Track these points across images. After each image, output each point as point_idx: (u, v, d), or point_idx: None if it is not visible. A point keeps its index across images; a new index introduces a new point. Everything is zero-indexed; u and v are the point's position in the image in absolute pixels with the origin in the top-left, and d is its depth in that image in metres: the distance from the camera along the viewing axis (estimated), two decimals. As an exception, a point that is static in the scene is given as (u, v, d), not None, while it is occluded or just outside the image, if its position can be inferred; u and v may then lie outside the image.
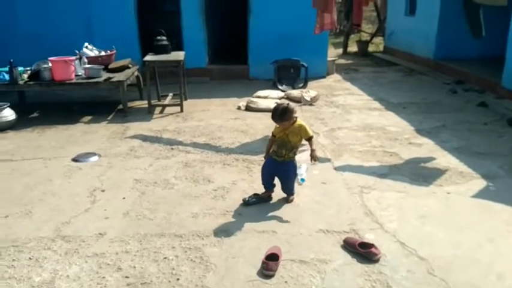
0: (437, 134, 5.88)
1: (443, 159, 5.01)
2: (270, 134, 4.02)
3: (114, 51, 7.60)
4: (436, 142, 5.57)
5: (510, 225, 3.59)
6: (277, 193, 4.04)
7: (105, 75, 6.90)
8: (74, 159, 5.11)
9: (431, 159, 5.03)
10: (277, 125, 3.85)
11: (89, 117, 6.84)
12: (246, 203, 3.91)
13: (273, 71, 8.98)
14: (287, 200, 4.00)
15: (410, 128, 6.21)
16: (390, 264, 3.08)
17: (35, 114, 7.17)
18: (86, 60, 7.05)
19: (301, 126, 3.82)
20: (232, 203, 3.94)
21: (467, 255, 3.19)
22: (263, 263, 3.05)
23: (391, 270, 3.02)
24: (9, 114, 6.34)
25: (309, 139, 3.88)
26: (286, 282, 2.93)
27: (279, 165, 3.89)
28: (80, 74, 6.87)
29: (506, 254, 3.21)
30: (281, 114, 3.71)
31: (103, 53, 7.54)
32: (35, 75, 6.65)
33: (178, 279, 2.97)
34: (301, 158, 5.00)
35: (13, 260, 3.21)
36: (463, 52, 10.24)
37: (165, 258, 3.20)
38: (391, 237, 3.42)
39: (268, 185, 4.00)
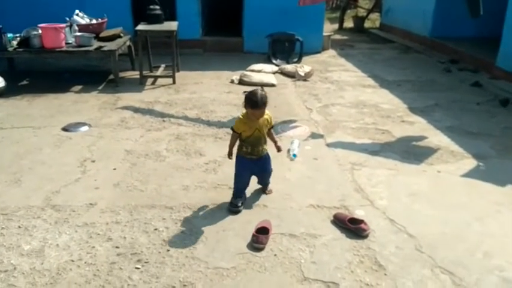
0: (430, 113, 5.88)
1: (435, 138, 5.02)
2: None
3: (106, 20, 7.43)
4: (428, 121, 5.58)
5: (499, 204, 3.63)
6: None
7: (96, 44, 6.78)
8: (64, 129, 5.05)
9: (423, 137, 5.04)
10: (243, 120, 3.35)
11: (80, 87, 6.73)
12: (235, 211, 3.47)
13: (268, 44, 8.86)
14: (265, 191, 3.71)
15: (404, 106, 6.21)
16: (379, 240, 3.12)
17: (25, 82, 7.04)
18: (76, 28, 6.90)
19: (267, 114, 3.46)
20: (223, 177, 3.93)
21: (455, 233, 3.23)
22: (253, 236, 3.06)
23: (380, 246, 3.05)
24: (-2, 81, 6.24)
25: (271, 128, 3.57)
26: (275, 255, 2.95)
27: (257, 162, 3.50)
28: (70, 42, 6.73)
29: (494, 233, 3.25)
30: (264, 99, 3.29)
31: (94, 21, 7.37)
32: (25, 42, 6.50)
33: (168, 250, 2.98)
34: (294, 133, 5.01)
35: (2, 228, 3.19)
36: (459, 31, 10.16)
37: (155, 229, 3.20)
38: (380, 214, 3.45)
39: (244, 192, 3.58)
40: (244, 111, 3.41)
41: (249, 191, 3.66)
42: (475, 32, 10.04)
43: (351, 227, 3.18)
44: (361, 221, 3.20)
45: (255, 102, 3.25)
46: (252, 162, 3.48)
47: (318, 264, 2.87)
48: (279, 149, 3.59)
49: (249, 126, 3.36)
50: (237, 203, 3.46)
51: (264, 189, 3.74)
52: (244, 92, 3.40)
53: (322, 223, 3.32)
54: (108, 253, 2.94)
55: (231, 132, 3.48)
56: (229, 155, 3.53)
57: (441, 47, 10.06)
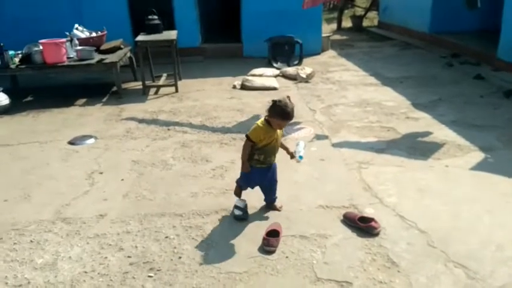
0: (434, 108, 5.87)
1: (441, 132, 5.01)
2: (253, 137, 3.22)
3: (105, 32, 7.48)
4: (433, 116, 5.57)
5: (508, 196, 3.62)
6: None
7: (97, 56, 6.81)
8: (70, 142, 5.07)
9: (429, 133, 5.03)
10: (264, 129, 3.18)
11: (83, 100, 6.77)
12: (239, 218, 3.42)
13: (267, 48, 8.89)
14: (276, 208, 3.53)
15: (407, 102, 6.20)
16: (390, 238, 3.11)
17: (29, 98, 7.09)
18: (77, 42, 6.94)
19: None
20: (231, 182, 3.93)
21: (466, 226, 3.22)
22: (264, 239, 3.07)
23: (391, 243, 3.05)
24: (2, 98, 6.29)
25: (282, 136, 3.50)
26: (287, 257, 2.95)
27: (266, 171, 3.38)
28: (71, 56, 6.77)
29: (505, 224, 3.24)
30: (294, 110, 3.18)
31: (94, 34, 7.42)
32: (27, 59, 6.54)
33: (180, 257, 2.98)
34: (299, 135, 5.02)
35: (14, 243, 3.21)
36: (458, 25, 10.16)
37: (166, 237, 3.21)
38: (390, 211, 3.45)
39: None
40: (262, 119, 3.24)
41: (255, 194, 3.58)
42: (474, 25, 10.05)
43: (362, 226, 3.17)
44: (371, 219, 3.20)
45: (287, 114, 3.10)
46: (261, 171, 3.34)
47: (330, 264, 2.87)
48: (292, 156, 3.42)
49: (269, 135, 3.19)
50: (240, 215, 3.39)
51: (273, 206, 3.53)
52: (273, 100, 3.17)
53: (332, 223, 3.32)
54: (120, 263, 2.95)
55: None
56: (248, 167, 3.29)
57: (441, 41, 10.06)
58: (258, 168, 3.32)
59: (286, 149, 3.48)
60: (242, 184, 3.49)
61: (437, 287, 2.63)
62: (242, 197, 3.49)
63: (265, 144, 3.20)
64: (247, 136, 3.21)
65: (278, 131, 3.27)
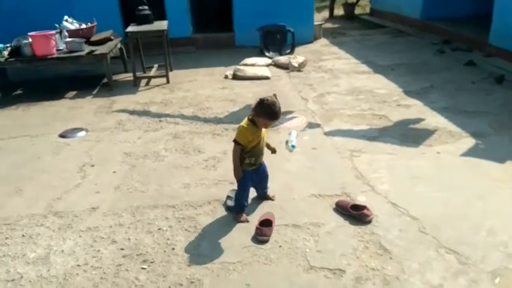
0: (426, 95, 5.88)
1: (432, 119, 5.02)
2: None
3: (95, 24, 7.39)
4: (424, 103, 5.58)
5: (499, 181, 3.64)
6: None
7: (87, 48, 6.74)
8: (61, 135, 5.04)
9: (421, 120, 5.04)
10: (251, 129, 3.06)
11: (74, 93, 6.71)
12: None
13: (259, 37, 8.84)
14: (270, 198, 3.51)
15: (399, 89, 6.20)
16: (382, 225, 3.12)
17: (18, 92, 7.02)
18: (66, 33, 6.86)
19: None
20: (223, 173, 3.93)
21: (458, 212, 3.24)
22: (257, 229, 3.07)
23: (384, 231, 3.06)
24: (-9, 92, 6.22)
25: None
26: (280, 246, 2.96)
27: (257, 171, 3.30)
28: (61, 48, 6.69)
29: (496, 210, 3.26)
30: (280, 110, 3.04)
31: (84, 26, 7.33)
32: (16, 52, 6.46)
33: (173, 248, 2.98)
34: (291, 124, 5.01)
35: (6, 238, 3.20)
36: (450, 11, 10.15)
37: (159, 229, 3.20)
38: (382, 199, 3.46)
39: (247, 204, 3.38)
40: (245, 119, 3.10)
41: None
42: (465, 11, 10.04)
43: (354, 214, 3.19)
44: (364, 207, 3.21)
45: (275, 113, 2.97)
46: (253, 173, 3.26)
47: (323, 252, 2.88)
48: (274, 151, 3.38)
49: (256, 135, 3.09)
50: (233, 205, 3.36)
51: (266, 196, 3.50)
52: (260, 99, 2.99)
53: (324, 212, 3.33)
54: (113, 255, 2.95)
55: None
56: (241, 172, 3.17)
57: (433, 28, 10.05)
58: (251, 171, 3.24)
59: (269, 147, 3.37)
60: (241, 197, 3.29)
61: (429, 273, 2.65)
62: (233, 188, 3.48)
63: (254, 145, 3.10)
64: (235, 141, 3.07)
65: (263, 129, 3.16)
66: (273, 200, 3.51)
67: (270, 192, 3.55)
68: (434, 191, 3.53)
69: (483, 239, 2.93)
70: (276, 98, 3.03)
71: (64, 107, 6.09)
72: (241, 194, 3.30)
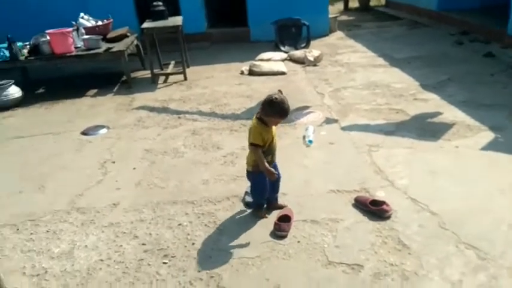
0: (443, 88, 5.82)
1: (450, 113, 4.98)
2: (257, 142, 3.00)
3: (111, 20, 7.47)
4: (442, 96, 5.52)
5: (519, 175, 3.61)
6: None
7: (104, 45, 6.81)
8: (83, 133, 5.14)
9: (438, 113, 5.00)
10: (264, 128, 3.01)
11: (94, 91, 6.82)
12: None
13: (274, 31, 8.82)
14: (280, 207, 3.37)
15: (416, 83, 6.15)
16: (401, 220, 3.12)
17: (41, 90, 7.17)
18: (83, 31, 6.95)
19: None
20: (241, 169, 3.92)
21: (478, 207, 3.22)
22: (275, 224, 3.10)
23: (403, 226, 3.06)
24: (15, 91, 6.35)
25: None
26: (299, 242, 2.99)
27: (274, 169, 3.19)
28: (79, 46, 6.78)
29: (517, 204, 3.23)
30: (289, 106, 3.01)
31: (100, 23, 7.41)
32: (35, 50, 6.56)
33: (193, 243, 3.03)
34: (308, 119, 5.02)
35: (31, 233, 3.29)
36: (466, 1, 10.00)
37: (179, 224, 3.26)
38: (402, 194, 3.45)
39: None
40: (254, 120, 3.05)
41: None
42: (483, 1, 9.87)
43: (373, 209, 3.19)
44: (383, 203, 3.21)
45: (286, 111, 2.95)
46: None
47: (342, 247, 2.90)
48: None
49: (270, 133, 3.06)
50: (251, 201, 3.37)
51: (276, 206, 3.38)
52: (269, 98, 2.94)
53: (343, 207, 3.34)
54: (135, 250, 3.01)
55: (245, 124, 3.40)
56: (272, 172, 3.06)
57: (449, 19, 9.91)
58: None
59: None
60: (258, 194, 3.27)
61: (448, 269, 2.65)
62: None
63: (268, 143, 3.06)
64: (254, 144, 2.99)
65: (273, 126, 3.12)
66: (283, 207, 3.36)
67: (280, 200, 3.43)
68: (453, 186, 3.52)
69: (503, 234, 2.92)
70: (282, 93, 3.01)
71: (85, 105, 6.20)
72: (260, 195, 3.27)
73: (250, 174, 3.23)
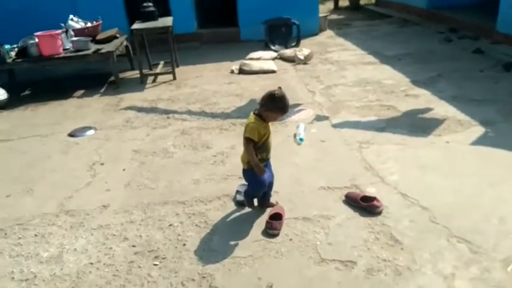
0: (434, 84, 5.84)
1: (441, 108, 4.99)
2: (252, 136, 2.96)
3: (100, 22, 7.41)
4: (432, 92, 5.54)
5: (510, 169, 3.62)
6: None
7: (93, 47, 6.76)
8: (71, 135, 5.07)
9: (429, 109, 5.01)
10: (260, 124, 2.98)
11: (81, 91, 6.74)
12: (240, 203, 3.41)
13: (264, 31, 8.81)
14: (271, 205, 3.34)
15: (406, 79, 6.16)
16: (393, 216, 3.12)
17: (27, 92, 7.07)
18: (72, 33, 6.88)
19: None
20: (232, 168, 3.94)
21: (468, 201, 3.22)
22: (267, 222, 3.08)
23: (394, 221, 3.05)
24: (0, 93, 6.26)
25: None
26: (291, 239, 2.96)
27: (267, 167, 3.21)
28: (67, 47, 6.72)
29: (508, 198, 3.24)
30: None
31: (89, 24, 7.35)
32: (23, 52, 6.48)
33: (184, 244, 3.00)
34: (299, 117, 5.00)
35: (19, 237, 3.23)
36: (456, -1, 10.05)
37: (170, 225, 3.22)
38: (392, 189, 3.45)
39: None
40: (252, 115, 3.01)
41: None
42: (472, -2, 9.91)
43: (364, 205, 3.18)
44: (374, 198, 3.20)
45: (287, 106, 2.96)
46: (266, 169, 3.15)
47: (334, 244, 2.88)
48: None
49: (267, 130, 3.03)
50: (242, 200, 3.35)
51: (269, 204, 3.34)
52: (270, 94, 2.93)
53: (334, 204, 3.32)
54: (125, 253, 2.97)
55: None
56: (261, 168, 3.03)
57: (439, 17, 9.96)
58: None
59: None
60: (256, 191, 3.22)
61: (441, 263, 2.64)
62: (243, 183, 3.46)
63: (264, 140, 3.03)
64: (248, 139, 2.95)
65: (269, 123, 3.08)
66: (275, 204, 3.35)
67: (272, 198, 3.39)
68: (444, 181, 3.52)
69: (495, 227, 2.92)
70: (281, 90, 3.00)
71: (72, 106, 6.13)
72: (257, 191, 3.20)
73: (247, 172, 3.16)
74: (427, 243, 2.82)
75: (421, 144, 4.18)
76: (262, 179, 3.09)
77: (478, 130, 4.37)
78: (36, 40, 6.43)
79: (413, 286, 2.49)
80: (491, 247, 2.73)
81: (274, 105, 2.93)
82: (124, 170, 4.13)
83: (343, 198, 3.36)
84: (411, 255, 2.72)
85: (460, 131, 4.39)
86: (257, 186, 3.16)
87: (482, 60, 6.77)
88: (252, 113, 3.05)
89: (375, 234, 2.94)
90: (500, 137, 4.17)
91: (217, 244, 2.98)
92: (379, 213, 3.14)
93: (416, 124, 4.62)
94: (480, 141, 4.15)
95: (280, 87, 3.04)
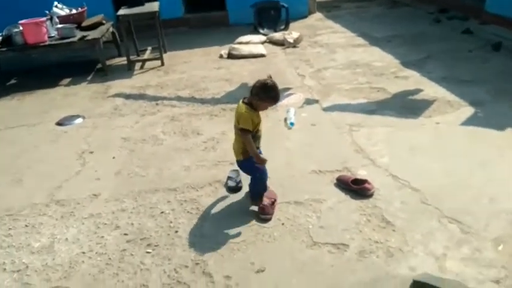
0: (423, 65, 5.83)
1: (431, 90, 4.99)
2: (247, 125, 2.89)
3: (85, 8, 7.27)
4: (422, 73, 5.53)
5: (500, 149, 3.64)
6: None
7: (79, 34, 6.64)
8: (58, 123, 5.01)
9: (419, 91, 5.01)
10: (253, 114, 2.92)
11: (68, 79, 6.64)
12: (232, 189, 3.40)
13: (253, 14, 8.71)
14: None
15: (396, 61, 6.14)
16: (384, 198, 3.13)
17: (13, 81, 6.95)
18: (57, 20, 6.75)
19: None
20: (223, 154, 3.92)
21: (459, 182, 3.24)
22: (259, 208, 3.07)
23: (386, 204, 3.07)
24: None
25: None
26: (283, 224, 2.97)
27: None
28: (53, 35, 6.60)
29: (498, 178, 3.26)
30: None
31: (74, 11, 7.21)
32: (7, 41, 6.35)
33: (176, 231, 2.99)
34: (289, 101, 4.97)
35: (9, 228, 3.20)
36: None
37: (161, 212, 3.21)
38: (383, 172, 3.46)
39: None
40: (243, 106, 2.92)
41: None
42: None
43: (355, 188, 3.19)
44: (365, 181, 3.21)
45: (278, 95, 2.93)
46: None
47: (326, 228, 2.89)
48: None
49: (259, 118, 2.99)
50: (234, 186, 3.33)
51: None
52: (262, 82, 2.88)
53: (326, 187, 3.33)
54: (117, 241, 2.96)
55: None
56: (261, 158, 2.97)
57: (428, -3, 9.89)
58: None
59: None
60: (261, 184, 3.15)
61: (433, 244, 2.66)
62: (234, 168, 3.45)
63: (257, 129, 2.99)
64: (244, 130, 2.88)
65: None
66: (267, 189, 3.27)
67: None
68: (434, 162, 3.53)
69: (485, 207, 2.94)
70: (271, 78, 2.94)
71: (59, 95, 6.04)
72: (262, 181, 3.14)
73: (244, 163, 3.07)
74: (419, 224, 2.84)
75: (411, 126, 4.18)
76: (260, 169, 3.04)
77: (468, 110, 4.38)
78: (21, 28, 6.31)
79: (405, 267, 2.51)
80: (482, 227, 2.76)
81: (267, 95, 2.88)
82: (114, 158, 4.10)
83: (335, 181, 3.37)
84: (403, 237, 2.74)
85: (449, 112, 4.39)
86: (259, 173, 3.08)
87: (472, 40, 6.77)
88: (241, 102, 2.98)
89: (367, 217, 2.96)
90: (489, 117, 4.19)
91: (209, 230, 2.98)
92: (371, 195, 3.15)
93: (406, 106, 4.62)
94: (470, 121, 4.16)
95: (270, 76, 2.98)
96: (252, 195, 3.20)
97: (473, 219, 2.83)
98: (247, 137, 2.89)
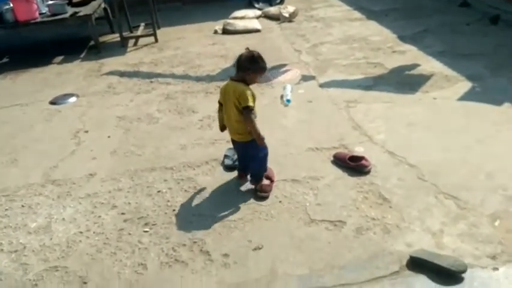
0: (421, 40, 5.76)
1: (428, 64, 4.94)
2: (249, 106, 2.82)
3: (77, -17, 7.11)
4: (419, 48, 5.47)
5: (497, 124, 3.62)
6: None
7: (70, 10, 6.52)
8: (52, 102, 4.95)
9: (416, 65, 4.96)
10: (252, 91, 2.89)
11: (61, 57, 6.54)
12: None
13: (248, -12, 8.55)
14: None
15: (393, 35, 6.07)
16: (381, 175, 3.13)
17: (4, 60, 6.85)
18: (47, -4, 6.62)
19: None
20: (219, 132, 3.86)
21: (456, 158, 3.24)
22: (259, 185, 3.06)
23: (382, 180, 3.07)
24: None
25: None
26: (280, 202, 2.97)
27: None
28: (43, 12, 6.48)
29: (495, 153, 3.25)
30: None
31: (65, -14, 7.05)
32: (-3, 19, 6.25)
33: (174, 210, 2.99)
34: (286, 78, 4.92)
35: (6, 209, 3.19)
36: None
37: (158, 191, 3.20)
38: (380, 148, 3.45)
39: None
40: (239, 84, 2.86)
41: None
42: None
43: (352, 165, 3.18)
44: (362, 158, 3.20)
45: (265, 65, 2.92)
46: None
47: (323, 205, 2.89)
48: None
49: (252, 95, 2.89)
50: (230, 164, 3.33)
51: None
52: (251, 56, 2.85)
53: (323, 165, 3.32)
54: (115, 220, 2.95)
55: (220, 85, 3.24)
56: (262, 139, 2.91)
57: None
58: None
59: None
60: (264, 166, 3.12)
61: (429, 220, 2.67)
62: (230, 147, 3.42)
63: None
64: (249, 107, 2.79)
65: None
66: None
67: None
68: (431, 138, 3.52)
69: (482, 183, 2.95)
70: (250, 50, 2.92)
71: (52, 73, 5.96)
72: (264, 163, 3.10)
73: (251, 144, 2.96)
74: (415, 200, 2.85)
75: (409, 102, 4.16)
76: (265, 150, 3.02)
77: (465, 85, 4.35)
78: (11, 5, 6.19)
79: (402, 243, 2.52)
80: (479, 203, 2.76)
81: (258, 66, 2.86)
82: (109, 137, 4.06)
83: (332, 158, 3.35)
84: (400, 213, 2.75)
85: (447, 87, 4.36)
86: (264, 158, 3.06)
87: (469, 13, 6.68)
88: (231, 81, 2.91)
89: (364, 194, 2.96)
90: (487, 92, 4.16)
91: (206, 209, 2.98)
92: (368, 172, 3.15)
93: (404, 81, 4.58)
94: (467, 96, 4.14)
95: (247, 48, 2.96)
96: (255, 177, 3.12)
97: (469, 195, 2.83)
98: (250, 116, 2.82)
